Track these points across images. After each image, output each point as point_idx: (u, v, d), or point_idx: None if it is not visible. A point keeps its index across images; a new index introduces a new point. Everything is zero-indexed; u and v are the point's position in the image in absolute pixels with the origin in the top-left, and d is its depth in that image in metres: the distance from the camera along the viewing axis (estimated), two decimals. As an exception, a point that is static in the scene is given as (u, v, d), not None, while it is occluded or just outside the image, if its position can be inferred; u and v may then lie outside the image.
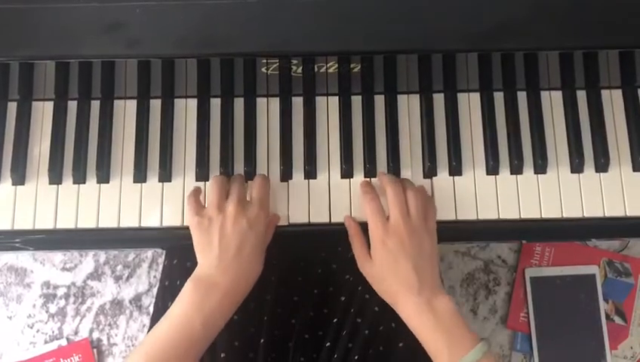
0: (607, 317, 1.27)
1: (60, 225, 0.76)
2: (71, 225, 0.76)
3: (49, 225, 0.76)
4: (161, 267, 1.31)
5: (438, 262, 0.73)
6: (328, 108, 0.80)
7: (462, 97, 0.80)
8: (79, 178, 0.77)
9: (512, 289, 1.30)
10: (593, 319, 1.26)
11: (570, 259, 1.30)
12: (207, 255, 0.70)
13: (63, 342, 1.27)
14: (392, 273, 0.70)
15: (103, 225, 0.76)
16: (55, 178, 0.77)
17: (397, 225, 0.71)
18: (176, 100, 0.80)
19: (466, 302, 1.30)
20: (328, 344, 0.80)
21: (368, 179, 0.78)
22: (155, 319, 0.85)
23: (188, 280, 0.69)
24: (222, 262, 0.69)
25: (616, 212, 0.76)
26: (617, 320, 1.27)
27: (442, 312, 0.69)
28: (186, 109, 0.80)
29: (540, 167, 0.77)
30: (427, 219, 0.73)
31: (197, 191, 0.76)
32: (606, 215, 0.76)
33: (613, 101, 0.80)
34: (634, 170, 0.78)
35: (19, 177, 0.77)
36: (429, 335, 0.69)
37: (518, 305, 1.28)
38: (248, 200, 0.74)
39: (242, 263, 0.69)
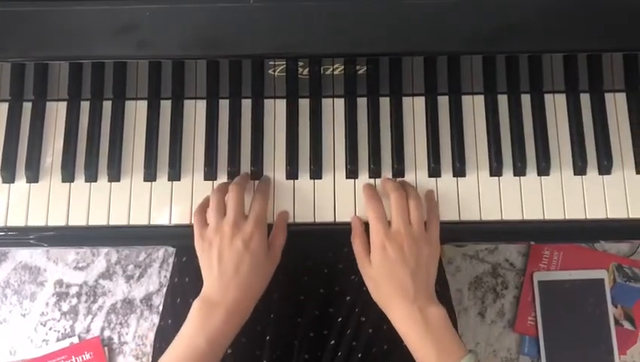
0: (616, 322, 1.26)
1: (72, 223, 0.77)
2: (82, 223, 0.77)
3: (61, 222, 0.77)
4: (171, 267, 1.32)
5: (436, 272, 0.74)
6: (334, 109, 0.81)
7: (466, 99, 0.81)
8: (91, 176, 0.78)
9: (520, 293, 1.29)
10: (602, 324, 1.25)
11: (578, 263, 1.29)
12: (208, 276, 0.72)
13: (75, 340, 1.29)
14: (389, 278, 0.71)
15: (113, 222, 0.77)
16: (67, 176, 0.78)
17: (398, 232, 0.72)
18: (185, 101, 0.81)
19: (473, 305, 1.30)
20: (333, 342, 0.81)
21: (372, 182, 0.78)
22: (164, 315, 0.87)
23: (195, 301, 0.71)
24: (222, 283, 0.70)
25: (619, 214, 0.76)
26: (626, 325, 1.26)
27: (434, 321, 0.70)
28: (196, 110, 0.81)
29: (543, 169, 0.78)
30: (429, 227, 0.74)
31: (203, 208, 0.76)
32: (609, 217, 0.76)
33: (617, 104, 0.80)
34: (637, 173, 0.78)
35: (33, 175, 0.78)
36: (418, 342, 0.69)
37: (526, 308, 1.28)
38: (246, 213, 0.73)
39: (241, 283, 0.70)
